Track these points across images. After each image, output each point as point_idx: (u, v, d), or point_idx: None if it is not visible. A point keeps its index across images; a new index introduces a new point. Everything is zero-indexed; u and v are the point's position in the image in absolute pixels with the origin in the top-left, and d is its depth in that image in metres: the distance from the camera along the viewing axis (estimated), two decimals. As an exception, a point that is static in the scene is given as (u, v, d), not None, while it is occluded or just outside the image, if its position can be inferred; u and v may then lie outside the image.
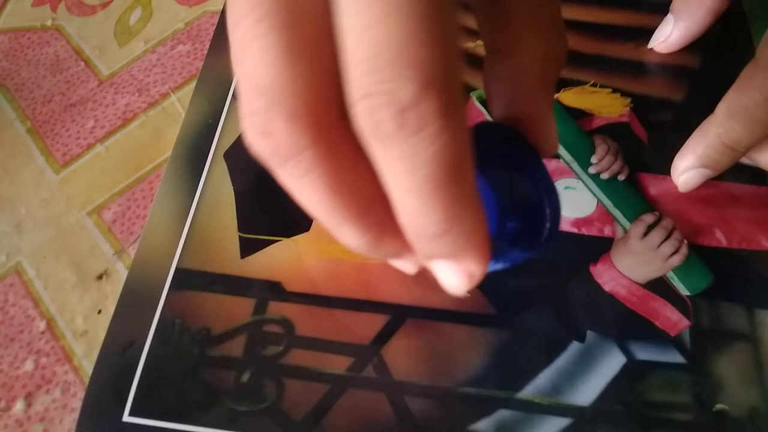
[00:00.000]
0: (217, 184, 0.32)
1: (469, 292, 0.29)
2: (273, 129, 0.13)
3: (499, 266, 0.17)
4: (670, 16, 0.34)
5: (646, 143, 0.32)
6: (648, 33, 0.35)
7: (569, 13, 0.36)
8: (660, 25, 0.34)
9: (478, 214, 0.15)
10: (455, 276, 0.16)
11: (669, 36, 0.34)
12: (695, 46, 0.34)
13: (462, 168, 0.13)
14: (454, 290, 0.17)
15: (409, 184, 0.13)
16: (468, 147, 0.14)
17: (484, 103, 0.33)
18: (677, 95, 0.33)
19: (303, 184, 0.14)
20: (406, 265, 0.18)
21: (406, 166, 0.13)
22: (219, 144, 0.33)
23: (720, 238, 0.29)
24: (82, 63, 0.40)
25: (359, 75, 0.12)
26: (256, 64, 0.13)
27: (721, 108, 0.26)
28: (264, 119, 0.13)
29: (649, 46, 0.35)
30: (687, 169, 0.28)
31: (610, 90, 0.34)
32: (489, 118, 0.32)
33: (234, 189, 0.32)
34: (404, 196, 0.14)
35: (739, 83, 0.26)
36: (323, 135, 0.13)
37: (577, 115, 0.33)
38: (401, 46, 0.12)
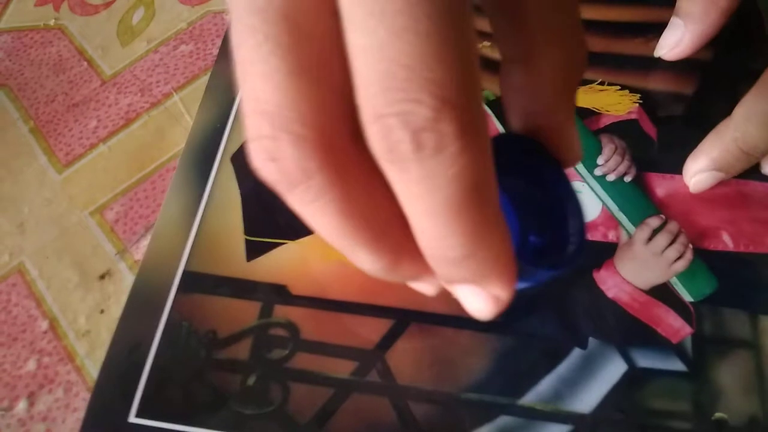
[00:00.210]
0: (224, 188, 0.32)
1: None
2: (280, 155, 0.13)
3: (524, 285, 0.16)
4: (678, 21, 0.32)
5: (655, 140, 0.32)
6: (656, 28, 0.34)
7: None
8: (667, 31, 0.32)
9: (503, 237, 0.14)
10: (480, 301, 0.16)
11: (680, 42, 0.32)
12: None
13: (484, 190, 0.13)
14: (479, 315, 0.16)
15: (427, 207, 0.13)
16: (491, 167, 0.13)
17: (488, 103, 0.33)
18: (688, 89, 0.33)
19: (313, 209, 0.14)
20: (426, 288, 0.17)
21: (424, 189, 0.12)
22: (226, 148, 0.33)
23: (727, 242, 0.29)
24: (85, 63, 0.40)
25: (372, 95, 0.12)
26: (260, 88, 0.12)
27: (739, 111, 0.26)
28: (270, 145, 0.13)
29: (658, 54, 0.33)
30: (700, 171, 0.28)
31: (618, 87, 0.33)
32: (494, 118, 0.32)
33: (241, 192, 0.32)
34: (422, 219, 0.13)
35: (759, 87, 0.26)
36: (333, 159, 0.13)
37: (585, 114, 0.33)
38: (416, 64, 0.11)
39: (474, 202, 0.13)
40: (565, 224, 0.17)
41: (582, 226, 0.17)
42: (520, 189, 0.17)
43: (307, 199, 0.13)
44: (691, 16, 0.31)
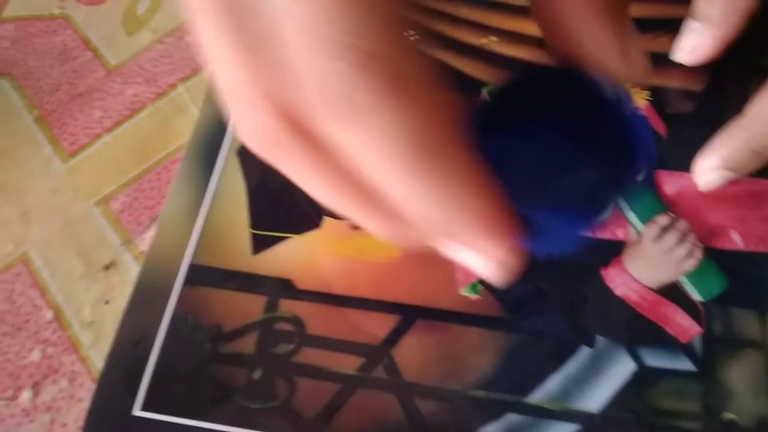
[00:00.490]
0: (230, 181, 0.32)
1: (479, 293, 0.29)
2: (263, 126, 0.13)
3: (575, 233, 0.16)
4: (696, 24, 0.30)
5: (664, 137, 0.32)
6: (666, 25, 0.34)
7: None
8: (684, 34, 0.31)
9: (479, 191, 0.14)
10: (483, 264, 0.15)
11: (699, 46, 0.30)
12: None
13: (437, 144, 0.13)
14: (493, 279, 0.15)
15: (382, 168, 0.13)
16: (442, 119, 0.13)
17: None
18: (697, 86, 0.33)
19: (305, 178, 0.14)
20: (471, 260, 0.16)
21: (372, 152, 0.13)
22: (233, 141, 0.33)
23: (736, 240, 0.29)
24: (90, 52, 0.39)
25: (303, 60, 0.12)
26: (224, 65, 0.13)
27: (751, 110, 0.26)
28: (251, 115, 0.13)
29: (675, 58, 0.33)
30: (709, 170, 0.27)
31: (628, 84, 0.33)
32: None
33: (247, 186, 0.32)
34: (382, 179, 0.13)
35: None
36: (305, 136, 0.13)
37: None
38: (337, 21, 0.12)
39: (427, 157, 0.13)
40: (622, 152, 0.15)
41: (648, 147, 0.16)
42: (570, 126, 0.15)
43: (297, 167, 0.14)
44: (710, 19, 0.30)
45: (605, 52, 0.15)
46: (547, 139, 0.16)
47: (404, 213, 0.14)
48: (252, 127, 0.14)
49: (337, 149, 0.13)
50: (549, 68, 0.16)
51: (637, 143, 0.16)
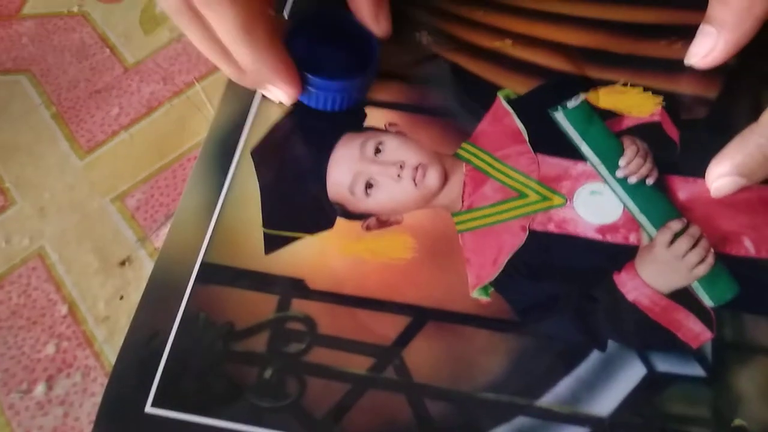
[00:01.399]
0: (244, 181, 0.32)
1: (489, 296, 0.29)
2: None
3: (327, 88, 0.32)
4: (710, 29, 0.31)
5: (677, 143, 0.32)
6: (680, 31, 0.34)
7: (599, 11, 0.36)
8: (698, 38, 0.32)
9: (279, 57, 0.29)
10: (278, 95, 0.32)
11: (713, 50, 0.31)
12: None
13: (253, 27, 0.27)
14: (281, 100, 0.32)
15: (224, 38, 0.27)
16: (256, 13, 0.27)
17: (510, 101, 0.33)
18: (711, 92, 0.33)
19: (193, 37, 0.28)
20: (270, 95, 0.33)
21: (217, 26, 0.27)
22: (247, 141, 0.33)
23: (749, 247, 0.29)
24: (108, 50, 0.40)
25: None
26: None
27: (765, 118, 0.26)
28: None
29: (689, 62, 0.33)
30: (722, 176, 0.27)
31: (642, 89, 0.33)
32: (515, 117, 0.32)
33: (260, 185, 0.32)
34: (227, 44, 0.28)
35: None
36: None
37: (607, 116, 0.32)
38: None
39: (248, 34, 0.27)
40: (364, 57, 0.33)
41: (373, 62, 0.33)
42: (339, 35, 0.33)
43: (188, 30, 0.28)
44: (724, 24, 0.30)
45: (364, 12, 0.32)
46: (325, 42, 0.33)
47: (241, 65, 0.29)
48: (168, 2, 0.27)
49: (206, 21, 0.26)
50: (336, 10, 0.33)
51: (371, 54, 0.33)
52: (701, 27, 0.32)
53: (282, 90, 0.31)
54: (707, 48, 0.31)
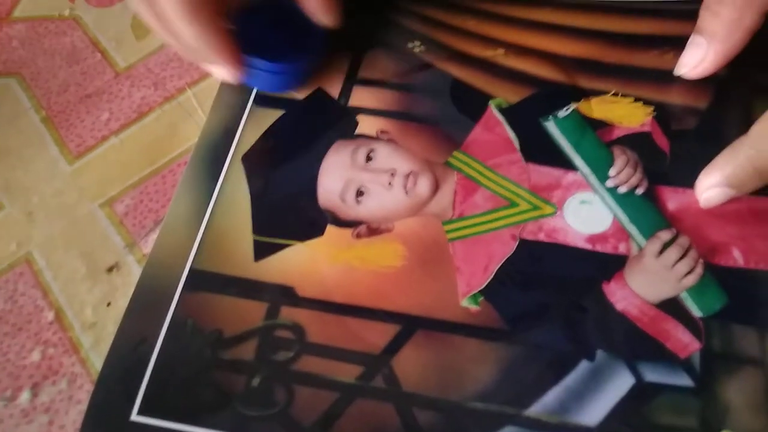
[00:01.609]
0: (234, 187, 0.32)
1: (479, 305, 0.29)
2: None
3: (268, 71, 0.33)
4: (700, 39, 0.31)
5: (667, 153, 0.32)
6: (671, 41, 0.34)
7: (591, 22, 0.36)
8: (688, 49, 0.32)
9: (218, 36, 0.30)
10: (221, 72, 0.32)
11: (703, 61, 0.31)
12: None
13: (196, 9, 0.28)
14: (228, 80, 0.33)
15: (170, 19, 0.29)
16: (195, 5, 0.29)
17: (502, 110, 0.33)
18: (702, 103, 0.33)
19: (149, 23, 0.31)
20: (215, 72, 0.33)
21: (165, 9, 0.29)
22: (238, 147, 0.33)
23: (737, 258, 0.29)
24: (99, 54, 0.39)
25: None
26: None
27: (755, 130, 0.26)
28: None
29: (679, 72, 0.33)
30: (712, 187, 0.27)
31: (632, 99, 0.33)
32: (507, 126, 0.32)
33: (250, 192, 0.32)
34: (176, 28, 0.29)
35: None
36: None
37: (597, 125, 0.32)
38: None
39: (191, 14, 0.29)
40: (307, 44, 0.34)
41: (316, 49, 0.34)
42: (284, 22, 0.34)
43: (145, 16, 0.30)
44: (714, 35, 0.31)
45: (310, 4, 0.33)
46: (278, 26, 0.34)
47: (188, 44, 0.30)
48: None
49: (159, 8, 0.29)
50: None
51: (314, 42, 0.34)
52: (692, 38, 0.32)
53: (222, 69, 0.32)
54: (697, 59, 0.32)
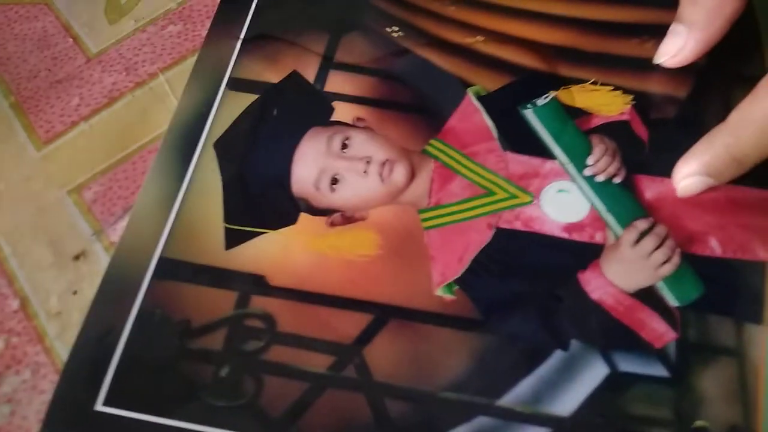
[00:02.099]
0: (206, 174, 0.31)
1: (453, 294, 0.28)
2: None
3: None
4: (680, 27, 0.31)
5: (646, 142, 0.31)
6: (651, 30, 0.34)
7: (571, 9, 0.36)
8: (668, 37, 0.32)
9: None
10: None
11: (682, 49, 0.31)
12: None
13: None
14: None
15: None
16: None
17: (480, 98, 0.33)
18: (681, 92, 0.32)
19: None
20: None
21: None
22: (210, 133, 0.33)
23: (714, 247, 0.29)
24: (71, 39, 0.39)
25: None
26: None
27: (733, 117, 0.26)
28: None
29: (658, 60, 0.33)
30: (689, 175, 0.27)
31: (612, 87, 0.33)
32: (485, 114, 0.32)
33: (222, 179, 0.31)
34: None
35: (754, 94, 0.25)
36: None
37: (576, 114, 0.32)
38: None
39: None
40: None
41: None
42: None
43: None
44: (694, 23, 0.31)
45: None
46: None
47: None
48: None
49: None
50: None
51: None
52: (672, 26, 0.32)
53: None
54: (677, 47, 0.31)
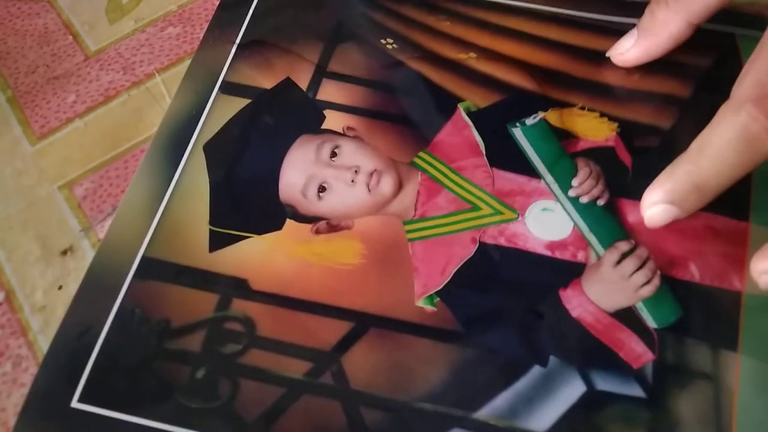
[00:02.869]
0: (194, 175, 0.32)
1: (435, 306, 0.28)
2: None
3: None
4: (635, 31, 0.34)
5: (629, 168, 0.32)
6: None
7: (563, 35, 0.36)
8: (623, 37, 0.34)
9: None
10: None
11: (629, 51, 0.34)
12: (687, 76, 0.34)
13: None
14: None
15: None
16: None
17: (470, 114, 0.33)
18: (665, 122, 0.33)
19: None
20: None
21: None
22: (200, 135, 0.33)
23: (694, 273, 0.29)
24: (71, 37, 0.39)
25: None
26: None
27: (694, 145, 0.26)
28: None
29: (608, 54, 0.35)
30: (654, 204, 0.27)
31: (598, 114, 0.33)
32: (474, 129, 0.32)
33: (210, 182, 0.32)
34: None
35: (713, 122, 0.26)
36: None
37: (563, 136, 0.32)
38: None
39: None
40: None
41: None
42: None
43: None
44: (644, 30, 0.33)
45: None
46: None
47: None
48: None
49: None
50: None
51: None
52: (631, 30, 0.34)
53: None
54: (625, 47, 0.34)
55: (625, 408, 0.26)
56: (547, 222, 0.30)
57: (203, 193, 0.31)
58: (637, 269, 0.28)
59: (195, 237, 0.30)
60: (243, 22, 0.37)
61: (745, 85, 0.25)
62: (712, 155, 0.25)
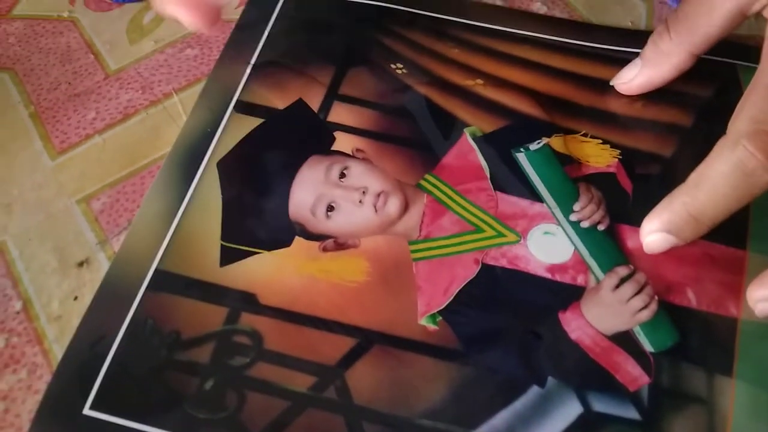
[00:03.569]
0: (207, 191, 0.33)
1: (437, 325, 0.29)
2: None
3: None
4: (638, 61, 0.35)
5: (630, 195, 0.33)
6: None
7: (568, 64, 0.37)
8: (627, 66, 0.35)
9: None
10: (185, 19, 0.30)
11: (632, 80, 0.35)
12: (688, 106, 0.35)
13: None
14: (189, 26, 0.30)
15: None
16: None
17: (476, 139, 0.34)
18: (666, 151, 0.34)
19: None
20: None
21: None
22: (214, 152, 0.34)
23: (691, 298, 0.30)
24: (92, 56, 0.40)
25: None
26: None
27: (691, 177, 0.27)
28: None
29: (612, 83, 0.36)
30: (652, 232, 0.28)
31: (601, 141, 0.34)
32: (479, 154, 0.33)
33: (222, 198, 0.33)
34: None
35: (711, 155, 0.27)
36: None
37: (566, 161, 0.33)
38: None
39: None
40: None
41: None
42: None
43: None
44: (648, 60, 0.34)
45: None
46: None
47: None
48: None
49: None
50: None
51: None
52: (634, 59, 0.35)
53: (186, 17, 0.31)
54: (629, 77, 0.35)
55: (621, 430, 0.27)
56: (548, 245, 0.31)
57: (216, 209, 0.32)
58: (636, 294, 0.29)
59: (207, 252, 0.31)
60: (258, 44, 0.38)
61: (740, 121, 0.26)
62: (708, 188, 0.26)
